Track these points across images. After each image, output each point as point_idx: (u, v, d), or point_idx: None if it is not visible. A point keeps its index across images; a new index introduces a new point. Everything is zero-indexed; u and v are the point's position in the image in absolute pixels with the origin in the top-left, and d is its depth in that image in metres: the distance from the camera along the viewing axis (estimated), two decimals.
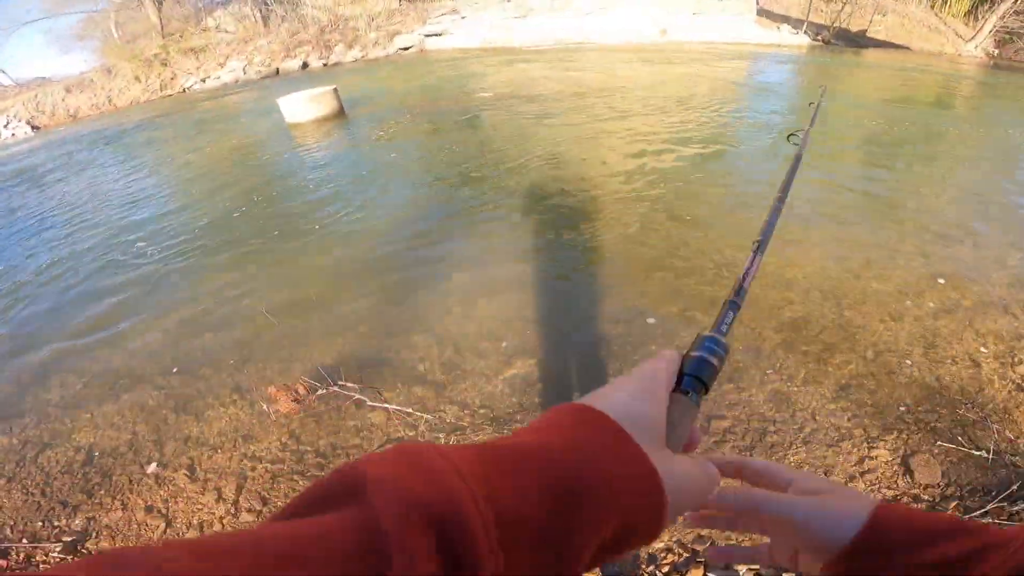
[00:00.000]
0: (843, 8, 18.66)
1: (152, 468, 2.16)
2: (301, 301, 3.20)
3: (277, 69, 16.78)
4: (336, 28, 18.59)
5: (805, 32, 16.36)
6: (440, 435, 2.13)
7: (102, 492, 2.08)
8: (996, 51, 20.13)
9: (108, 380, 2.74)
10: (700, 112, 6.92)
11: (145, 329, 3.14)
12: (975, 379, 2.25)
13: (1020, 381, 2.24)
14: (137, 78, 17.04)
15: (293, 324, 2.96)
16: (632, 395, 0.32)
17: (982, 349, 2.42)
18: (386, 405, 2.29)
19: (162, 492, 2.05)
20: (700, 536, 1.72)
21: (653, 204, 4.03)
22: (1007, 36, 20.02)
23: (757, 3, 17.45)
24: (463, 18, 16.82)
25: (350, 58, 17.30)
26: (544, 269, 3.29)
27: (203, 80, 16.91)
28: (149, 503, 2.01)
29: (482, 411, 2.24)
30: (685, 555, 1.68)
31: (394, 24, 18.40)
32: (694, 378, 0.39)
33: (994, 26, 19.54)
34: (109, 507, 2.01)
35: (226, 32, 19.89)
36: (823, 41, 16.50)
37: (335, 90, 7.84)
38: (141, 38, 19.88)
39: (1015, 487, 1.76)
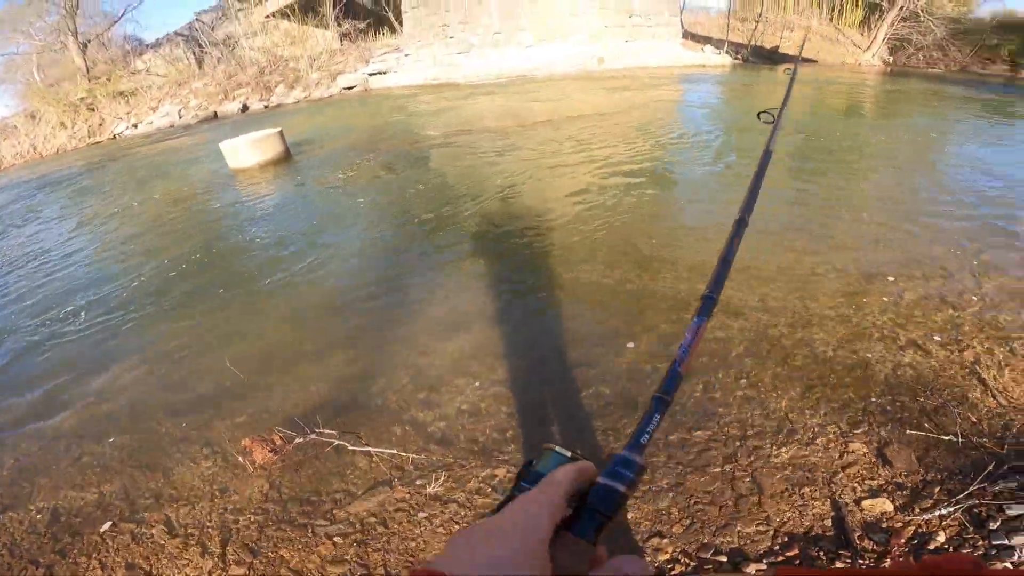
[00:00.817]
0: (756, 27, 20.29)
1: (122, 525, 2.06)
2: (265, 352, 3.08)
3: (215, 112, 16.30)
4: (276, 69, 18.35)
5: (726, 51, 17.63)
6: (430, 473, 2.09)
7: (75, 551, 1.98)
8: (891, 58, 22.40)
9: (65, 443, 2.57)
10: (645, 136, 7.28)
11: (98, 392, 2.93)
12: (929, 367, 2.42)
13: (970, 365, 2.43)
14: (63, 124, 16.05)
15: (258, 375, 2.85)
16: (497, 554, 0.27)
17: (931, 338, 2.63)
18: (368, 448, 2.24)
19: (140, 549, 1.96)
20: (704, 544, 1.75)
21: (615, 230, 4.16)
22: (898, 43, 22.34)
23: (682, 27, 18.68)
24: (406, 56, 17.05)
25: (292, 99, 17.05)
26: (512, 302, 3.31)
27: (135, 125, 16.16)
28: (129, 561, 1.91)
29: (467, 445, 2.22)
30: (692, 563, 1.71)
31: (336, 64, 18.36)
32: (596, 512, 0.33)
33: (886, 35, 21.73)
34: (85, 566, 1.91)
35: (157, 75, 19.21)
36: (743, 59, 17.81)
37: (280, 133, 7.68)
38: (65, 81, 18.88)
39: (991, 467, 1.88)
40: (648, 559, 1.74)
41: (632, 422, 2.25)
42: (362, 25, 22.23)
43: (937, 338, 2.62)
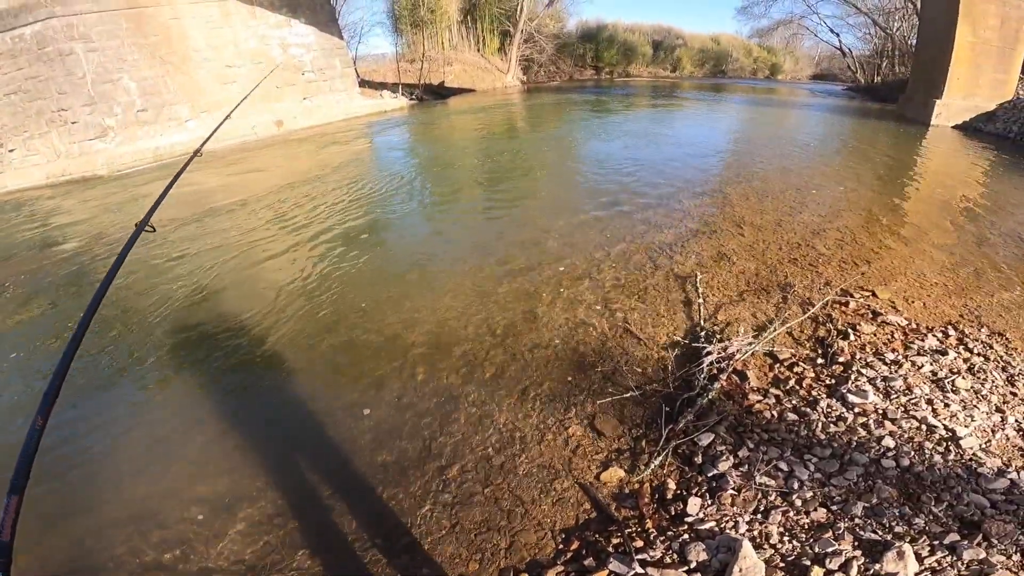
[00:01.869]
0: (423, 66, 22.69)
1: None
2: None
3: None
4: None
5: (402, 94, 19.16)
6: None
7: None
8: (525, 77, 28.18)
9: None
10: (347, 195, 7.22)
11: None
12: (597, 337, 3.07)
13: (622, 324, 3.17)
14: None
15: None
16: None
17: (588, 313, 3.32)
18: None
19: None
20: (503, 569, 1.81)
21: (328, 302, 3.92)
22: (527, 63, 28.25)
23: (357, 76, 19.39)
24: (10, 151, 12.92)
25: None
26: (232, 408, 2.82)
27: None
28: None
29: (236, 567, 1.88)
30: None
31: None
32: None
33: (517, 57, 27.22)
34: None
35: None
36: (417, 99, 19.66)
37: None
38: None
39: (666, 408, 2.37)
40: None
41: (391, 482, 2.18)
42: None
43: (594, 311, 3.34)
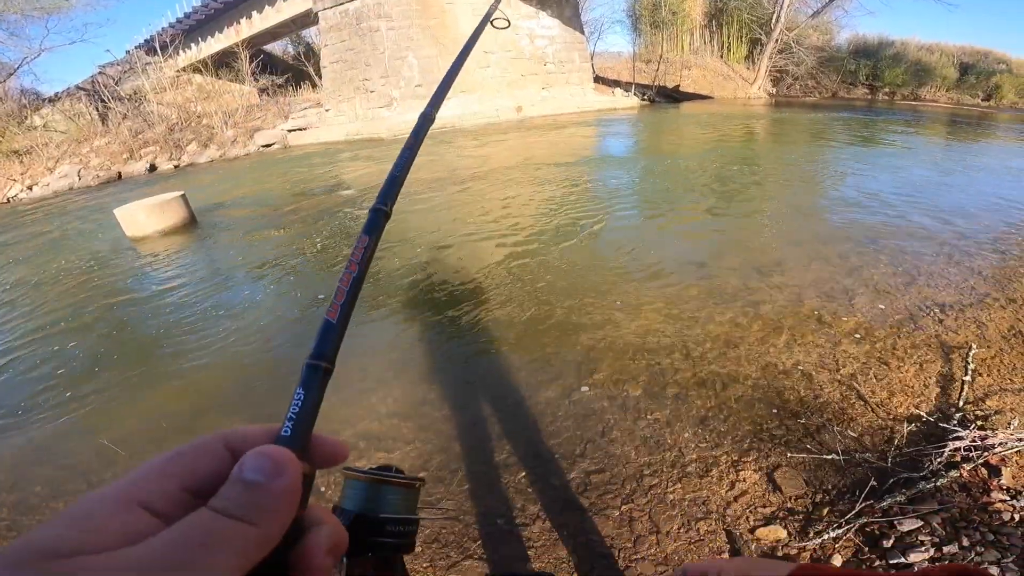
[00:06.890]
0: (659, 68, 22.18)
1: None
2: (162, 427, 2.78)
3: (119, 173, 15.27)
4: (187, 126, 17.65)
5: (634, 93, 19.05)
6: None
7: None
8: (774, 89, 25.16)
9: None
10: (563, 185, 7.59)
11: None
12: (810, 388, 2.60)
13: (848, 382, 2.63)
14: None
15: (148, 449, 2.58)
16: None
17: (808, 360, 2.83)
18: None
19: None
20: None
21: (547, 279, 4.22)
22: (778, 75, 25.19)
23: (593, 71, 20.01)
24: (327, 111, 17.04)
25: (205, 158, 16.34)
26: (451, 363, 3.23)
27: (30, 188, 14.72)
28: None
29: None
30: None
31: (254, 120, 17.98)
32: None
33: (767, 67, 24.45)
34: None
35: (56, 131, 17.83)
36: (649, 100, 19.28)
37: (183, 196, 7.23)
38: None
39: (873, 482, 1.98)
40: None
41: (531, 467, 2.21)
42: (280, 80, 22.05)
43: (814, 359, 2.83)
